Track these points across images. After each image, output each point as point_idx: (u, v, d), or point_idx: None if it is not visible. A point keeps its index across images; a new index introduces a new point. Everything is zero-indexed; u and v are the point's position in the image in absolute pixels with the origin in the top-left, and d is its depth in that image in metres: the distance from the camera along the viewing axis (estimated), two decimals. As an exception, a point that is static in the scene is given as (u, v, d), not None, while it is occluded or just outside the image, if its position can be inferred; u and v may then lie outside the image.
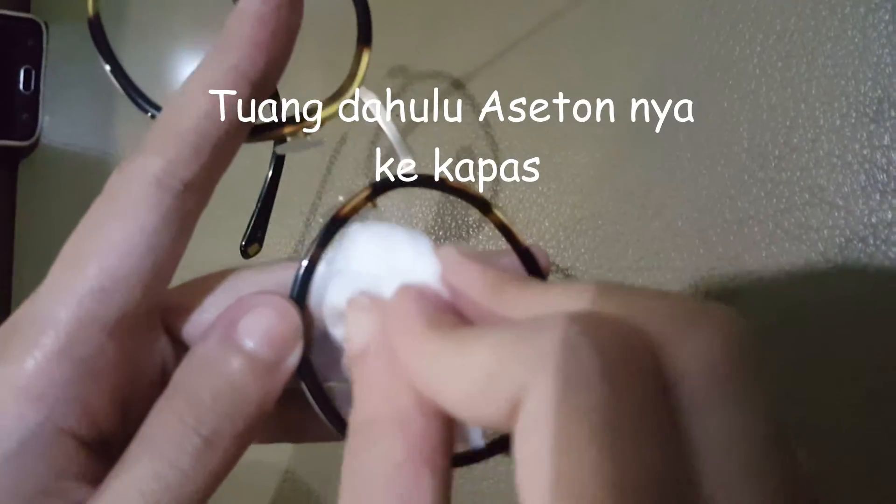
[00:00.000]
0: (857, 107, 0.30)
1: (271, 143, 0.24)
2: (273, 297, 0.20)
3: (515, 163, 0.40)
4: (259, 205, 0.23)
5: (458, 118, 0.43)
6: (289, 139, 0.22)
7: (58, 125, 0.76)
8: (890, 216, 0.29)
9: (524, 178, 0.39)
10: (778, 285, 0.31)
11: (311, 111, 0.22)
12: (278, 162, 0.23)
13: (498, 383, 0.13)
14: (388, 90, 0.45)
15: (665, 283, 0.34)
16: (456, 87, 0.43)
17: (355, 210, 0.20)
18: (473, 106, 0.42)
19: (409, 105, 0.45)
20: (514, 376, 0.13)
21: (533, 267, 0.21)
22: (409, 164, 0.22)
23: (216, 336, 0.19)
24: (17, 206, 0.80)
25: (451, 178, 0.21)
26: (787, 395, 0.31)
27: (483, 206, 0.21)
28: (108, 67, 0.21)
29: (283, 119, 0.21)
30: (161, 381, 0.20)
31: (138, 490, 0.17)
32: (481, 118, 0.42)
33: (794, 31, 0.32)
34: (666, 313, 0.14)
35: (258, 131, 0.21)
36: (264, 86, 0.19)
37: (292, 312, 0.20)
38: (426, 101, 0.44)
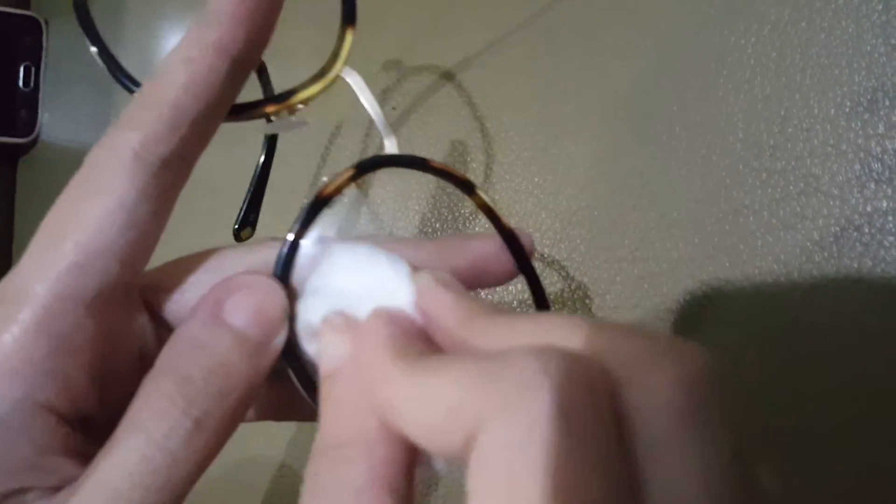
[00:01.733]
0: (851, 96, 0.31)
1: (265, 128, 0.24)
2: (259, 277, 0.20)
3: (511, 154, 0.40)
4: (252, 188, 0.23)
5: (453, 110, 0.43)
6: (273, 119, 0.22)
7: (57, 122, 0.76)
8: (885, 205, 0.29)
9: (519, 170, 0.39)
10: (773, 275, 0.31)
11: (295, 90, 0.22)
12: (270, 145, 0.23)
13: (457, 417, 0.13)
14: (388, 84, 0.45)
15: (661, 274, 0.34)
16: (450, 78, 0.43)
17: (339, 190, 0.20)
18: (469, 98, 0.42)
19: (404, 98, 0.45)
20: (474, 410, 0.13)
21: (517, 249, 0.21)
22: (392, 146, 0.22)
23: (203, 316, 0.19)
24: (16, 203, 0.81)
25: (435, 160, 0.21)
26: (781, 387, 0.31)
27: (467, 187, 0.21)
28: (93, 49, 0.22)
29: (266, 98, 0.21)
30: (141, 360, 0.20)
31: (127, 472, 0.17)
32: (476, 111, 0.42)
33: (789, 21, 0.32)
34: (629, 351, 0.14)
35: (240, 110, 0.21)
36: (245, 62, 0.19)
37: (279, 291, 0.20)
38: (420, 94, 0.44)
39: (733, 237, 0.32)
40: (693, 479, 0.13)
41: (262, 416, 0.23)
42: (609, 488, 0.12)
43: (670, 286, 0.34)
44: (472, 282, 0.21)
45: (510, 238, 0.21)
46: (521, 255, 0.21)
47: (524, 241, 0.21)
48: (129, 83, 0.22)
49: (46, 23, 0.77)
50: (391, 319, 0.17)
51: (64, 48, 0.76)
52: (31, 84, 0.76)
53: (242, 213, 0.23)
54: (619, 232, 0.36)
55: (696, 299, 0.33)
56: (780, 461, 0.30)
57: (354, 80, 0.22)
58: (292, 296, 0.20)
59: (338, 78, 0.22)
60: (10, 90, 0.75)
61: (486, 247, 0.21)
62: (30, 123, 0.77)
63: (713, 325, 0.33)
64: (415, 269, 0.19)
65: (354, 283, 0.19)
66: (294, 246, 0.20)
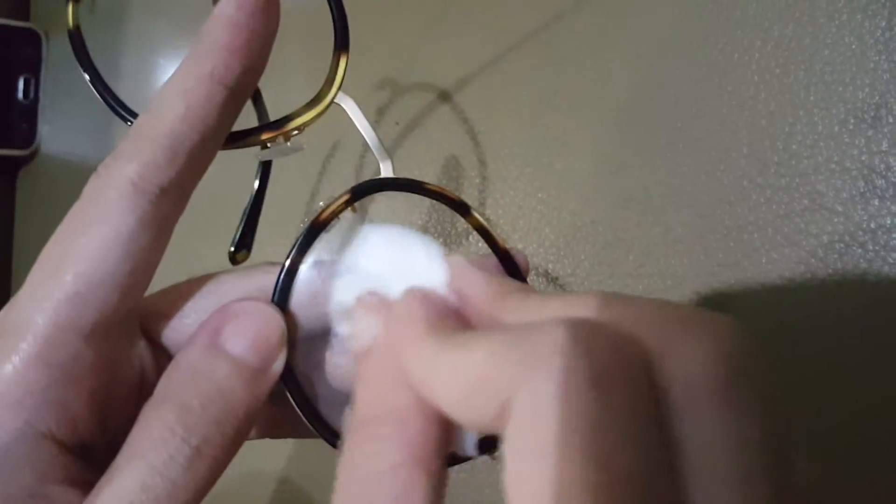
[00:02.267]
0: (855, 112, 0.31)
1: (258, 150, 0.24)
2: (257, 304, 0.20)
3: (515, 170, 0.40)
4: (247, 211, 0.23)
5: (454, 126, 0.43)
6: (269, 145, 0.22)
7: (57, 134, 0.76)
8: (889, 221, 0.30)
9: (522, 185, 0.39)
10: (778, 291, 0.31)
11: (290, 118, 0.22)
12: (265, 169, 0.24)
13: (490, 384, 0.13)
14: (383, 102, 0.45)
15: (665, 290, 0.34)
16: (449, 94, 0.43)
17: (335, 215, 0.21)
18: (470, 114, 0.42)
19: (404, 114, 0.45)
20: (506, 378, 0.13)
21: (512, 268, 0.21)
22: (388, 169, 0.22)
23: (201, 343, 0.20)
24: (15, 215, 0.81)
25: (429, 182, 0.21)
26: (787, 401, 0.31)
27: (462, 208, 0.22)
28: (87, 77, 0.22)
29: (261, 125, 0.22)
30: (140, 387, 0.20)
31: (127, 501, 0.17)
32: (479, 127, 0.42)
33: (792, 37, 0.32)
34: (662, 321, 0.14)
35: (236, 138, 0.21)
36: (240, 91, 0.20)
37: (277, 318, 0.20)
38: (420, 111, 0.44)
39: (738, 253, 0.32)
40: (728, 453, 0.12)
41: (262, 434, 0.23)
42: (643, 456, 0.12)
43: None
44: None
45: (505, 258, 0.21)
46: (516, 274, 0.22)
47: (519, 260, 0.22)
48: (124, 113, 0.22)
49: (46, 35, 0.77)
50: (424, 298, 0.17)
51: (63, 60, 0.76)
52: (31, 96, 0.76)
53: (238, 236, 0.23)
54: (623, 248, 0.36)
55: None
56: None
57: (349, 106, 0.22)
58: (291, 322, 0.20)
59: (332, 103, 0.22)
60: (9, 102, 0.75)
61: (483, 266, 0.21)
62: (29, 135, 0.77)
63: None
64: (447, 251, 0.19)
65: (387, 263, 0.19)
66: (291, 272, 0.20)
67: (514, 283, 0.17)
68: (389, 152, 0.22)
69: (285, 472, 0.49)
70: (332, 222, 0.20)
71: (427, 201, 0.43)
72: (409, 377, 0.16)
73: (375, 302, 0.18)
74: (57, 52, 0.76)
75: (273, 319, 0.20)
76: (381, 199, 0.45)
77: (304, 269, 0.20)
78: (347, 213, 0.21)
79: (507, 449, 0.13)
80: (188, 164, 0.19)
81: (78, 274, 0.18)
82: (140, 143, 0.19)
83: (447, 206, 0.22)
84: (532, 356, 0.13)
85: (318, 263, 0.20)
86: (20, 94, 0.77)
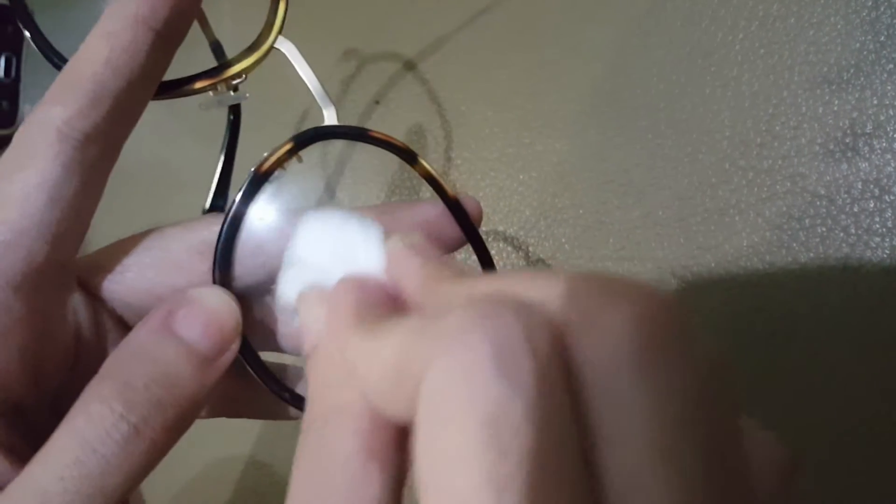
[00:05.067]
0: (839, 94, 0.30)
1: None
2: (215, 290, 0.20)
3: (496, 151, 0.39)
4: (219, 172, 0.22)
5: (432, 110, 0.42)
6: (211, 94, 0.21)
7: (39, 114, 0.75)
8: (871, 205, 0.29)
9: (503, 167, 0.39)
10: (758, 275, 0.31)
11: (228, 64, 0.21)
12: (234, 127, 0.23)
13: (404, 374, 0.13)
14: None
15: (646, 272, 0.33)
16: (426, 79, 0.42)
17: (279, 164, 0.20)
18: (451, 94, 0.42)
19: (380, 95, 0.44)
20: (416, 366, 0.13)
21: (462, 217, 0.21)
22: (332, 117, 0.21)
23: (153, 324, 0.19)
24: (-3, 196, 0.80)
25: (374, 130, 0.21)
26: (765, 386, 0.30)
27: (409, 156, 0.21)
28: (22, 27, 0.21)
29: (196, 73, 0.21)
30: (75, 344, 0.20)
31: (58, 476, 0.17)
32: (460, 106, 0.41)
33: (777, 17, 0.32)
34: (582, 294, 0.13)
35: (170, 87, 0.21)
36: (169, 35, 0.19)
37: (233, 306, 0.20)
38: (400, 91, 0.44)
39: (718, 237, 0.32)
40: (642, 428, 0.12)
41: (216, 413, 0.23)
42: (548, 437, 0.11)
43: (655, 285, 0.33)
44: None
45: (454, 205, 0.21)
46: (465, 221, 0.21)
47: (469, 206, 0.21)
48: (57, 60, 0.21)
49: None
50: (359, 286, 0.17)
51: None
52: (13, 75, 0.75)
53: (211, 197, 0.22)
54: (603, 230, 0.35)
55: (680, 299, 0.32)
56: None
57: (289, 50, 0.21)
58: (243, 300, 0.20)
59: (272, 49, 0.21)
60: (-10, 81, 0.74)
61: (429, 212, 0.21)
62: (10, 114, 0.75)
63: (697, 325, 0.32)
64: (388, 233, 0.18)
65: (327, 252, 0.18)
66: (234, 223, 0.20)
67: (450, 268, 0.16)
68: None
69: (261, 454, 0.49)
70: (276, 172, 0.20)
71: (393, 162, 0.42)
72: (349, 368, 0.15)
73: (316, 296, 0.18)
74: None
75: (229, 308, 0.20)
76: (357, 154, 0.44)
77: (249, 220, 0.20)
78: (294, 162, 0.20)
79: (416, 432, 0.12)
80: (114, 110, 0.18)
81: (2, 222, 0.17)
82: (65, 88, 0.18)
83: (394, 154, 0.21)
84: (438, 340, 0.12)
85: (262, 213, 0.20)
86: (1, 73, 0.75)
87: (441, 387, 0.12)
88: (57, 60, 0.22)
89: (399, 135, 0.43)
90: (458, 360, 0.12)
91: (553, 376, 0.12)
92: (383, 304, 0.16)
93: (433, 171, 0.21)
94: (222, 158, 0.22)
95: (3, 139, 0.78)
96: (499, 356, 0.12)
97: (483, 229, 0.22)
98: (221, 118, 0.26)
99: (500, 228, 0.38)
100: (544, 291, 0.13)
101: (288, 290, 0.18)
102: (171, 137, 0.54)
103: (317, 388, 0.16)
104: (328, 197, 0.45)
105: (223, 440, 0.48)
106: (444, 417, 0.12)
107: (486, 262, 0.22)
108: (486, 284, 0.15)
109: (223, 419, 0.24)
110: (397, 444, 0.15)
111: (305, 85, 0.25)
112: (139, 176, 0.54)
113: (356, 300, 0.16)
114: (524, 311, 0.12)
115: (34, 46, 0.22)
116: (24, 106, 0.75)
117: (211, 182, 0.24)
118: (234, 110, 0.25)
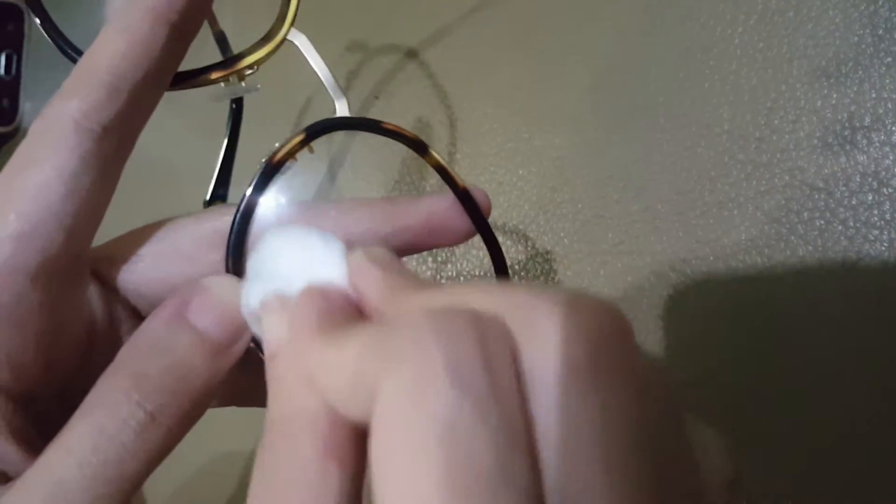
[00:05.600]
0: (837, 87, 0.30)
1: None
2: (228, 280, 0.20)
3: (495, 146, 0.39)
4: (221, 161, 0.22)
5: (432, 104, 0.42)
6: (223, 85, 0.21)
7: (39, 111, 0.75)
8: (870, 198, 0.29)
9: (503, 161, 0.39)
10: (757, 268, 0.31)
11: (240, 56, 0.21)
12: (236, 118, 0.23)
13: (360, 380, 0.13)
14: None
15: (644, 267, 0.34)
16: (428, 74, 0.43)
17: (290, 155, 0.20)
18: (450, 89, 0.42)
19: (379, 90, 0.44)
20: (372, 373, 0.13)
21: (472, 207, 0.21)
22: (343, 108, 0.21)
23: (167, 313, 0.19)
24: (-3, 193, 0.80)
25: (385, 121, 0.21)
26: (764, 379, 0.30)
27: (419, 147, 0.21)
28: (36, 20, 0.21)
29: (210, 65, 0.21)
30: (89, 335, 0.20)
31: (76, 463, 0.17)
32: (460, 101, 0.41)
33: (776, 11, 0.32)
34: (532, 307, 0.13)
35: (184, 78, 0.21)
36: (184, 28, 0.19)
37: None
38: (401, 85, 0.44)
39: (717, 230, 0.32)
40: (586, 439, 0.12)
41: (228, 401, 0.23)
42: (499, 447, 0.11)
43: (654, 279, 0.33)
44: (428, 240, 0.21)
45: (464, 196, 0.21)
46: (475, 213, 0.21)
47: (479, 197, 0.21)
48: (72, 53, 0.21)
49: (29, 10, 0.76)
50: (321, 296, 0.17)
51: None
52: (13, 72, 0.75)
53: (212, 187, 0.22)
54: (602, 225, 0.35)
55: (679, 293, 0.32)
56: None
57: (302, 42, 0.21)
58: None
59: (284, 41, 0.21)
60: (-9, 78, 0.74)
61: (437, 204, 0.21)
62: (11, 112, 0.76)
63: (696, 319, 0.32)
64: (350, 245, 0.18)
65: (290, 263, 0.19)
66: (247, 214, 0.20)
67: (411, 280, 0.17)
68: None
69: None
70: (288, 163, 0.20)
71: (401, 153, 0.42)
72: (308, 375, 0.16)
73: (278, 304, 0.18)
74: (39, 28, 0.75)
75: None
76: (360, 148, 0.45)
77: (260, 210, 0.20)
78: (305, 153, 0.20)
79: (371, 440, 0.12)
80: (131, 102, 0.19)
81: (20, 213, 0.18)
82: (82, 81, 0.18)
83: (404, 144, 0.21)
84: (393, 349, 0.13)
85: (274, 203, 0.20)
86: (2, 71, 0.75)
87: (395, 395, 0.12)
88: (72, 53, 0.22)
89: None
90: (412, 368, 0.12)
91: (505, 384, 0.12)
92: (345, 313, 0.17)
93: (443, 162, 0.21)
94: (224, 148, 0.22)
95: (4, 136, 0.78)
96: (452, 365, 0.12)
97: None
98: (221, 113, 0.27)
99: (500, 223, 0.38)
100: (497, 302, 0.13)
101: (252, 299, 0.19)
102: (172, 129, 0.54)
103: (277, 391, 0.16)
104: (333, 190, 0.45)
105: (225, 435, 0.48)
106: (399, 425, 0.12)
107: (496, 253, 0.22)
108: (443, 295, 0.15)
109: (227, 413, 0.24)
110: (356, 444, 0.15)
111: (308, 77, 0.25)
112: (138, 166, 0.54)
113: (318, 308, 0.16)
114: (477, 320, 0.13)
115: (38, 38, 0.22)
116: (24, 103, 0.75)
117: (210, 173, 0.24)
118: (237, 101, 0.26)
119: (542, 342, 0.13)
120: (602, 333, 0.13)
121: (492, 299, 0.14)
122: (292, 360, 0.16)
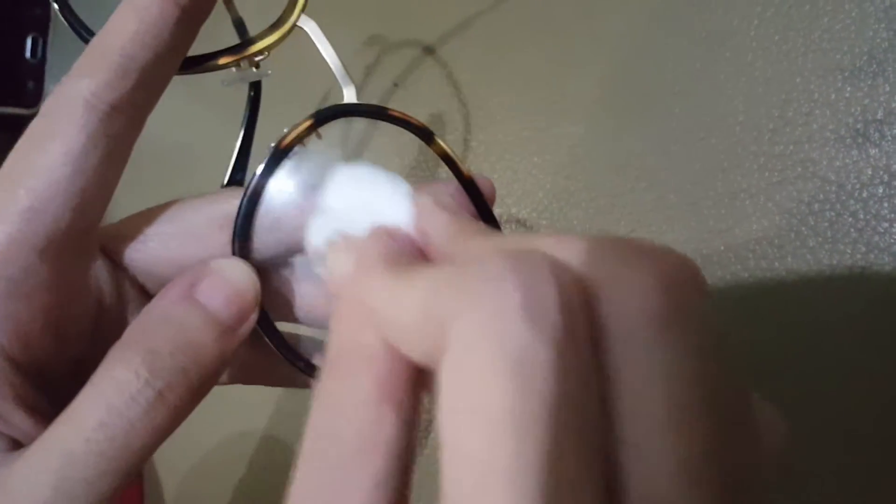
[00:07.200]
0: (851, 81, 0.30)
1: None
2: (237, 261, 0.20)
3: (511, 134, 0.40)
4: (239, 146, 0.23)
5: (448, 92, 0.43)
6: (234, 70, 0.21)
7: (63, 94, 0.76)
8: (881, 191, 0.29)
9: (518, 150, 0.39)
10: (768, 259, 0.31)
11: (251, 41, 0.21)
12: (254, 103, 0.23)
13: (430, 317, 0.13)
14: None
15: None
16: (444, 63, 0.43)
17: (298, 140, 0.20)
18: (467, 78, 0.42)
19: (398, 78, 0.45)
20: (444, 310, 0.13)
21: (477, 196, 0.21)
22: (351, 95, 0.22)
23: (176, 293, 0.20)
24: (21, 175, 0.81)
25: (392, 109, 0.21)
26: (773, 369, 0.31)
27: (425, 135, 0.21)
28: (55, 4, 0.22)
29: (220, 50, 0.21)
30: (97, 309, 0.21)
31: (83, 437, 0.17)
32: (476, 90, 0.42)
33: (792, 4, 0.32)
34: (610, 256, 0.13)
35: (194, 62, 0.21)
36: (194, 11, 0.20)
37: (253, 278, 0.20)
38: (417, 74, 0.44)
39: (729, 220, 0.32)
40: (660, 390, 0.12)
41: (234, 379, 0.24)
42: (570, 389, 0.12)
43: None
44: None
45: (469, 184, 0.21)
46: (479, 201, 0.21)
47: (484, 187, 0.22)
48: (85, 34, 0.22)
49: (54, -6, 0.77)
50: (389, 236, 0.17)
51: (72, 21, 0.76)
52: (39, 55, 0.76)
53: (230, 172, 0.23)
54: (615, 213, 0.36)
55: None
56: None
57: (311, 29, 0.22)
58: (261, 272, 0.21)
59: (295, 27, 0.22)
60: (17, 61, 0.75)
61: (441, 193, 0.21)
62: (36, 94, 0.77)
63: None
64: (418, 189, 0.19)
65: (357, 203, 0.19)
66: (254, 198, 0.20)
67: (477, 225, 0.17)
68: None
69: (274, 431, 0.49)
70: (296, 148, 0.20)
71: (413, 143, 0.43)
72: (372, 313, 0.16)
73: (344, 243, 0.18)
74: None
75: (250, 279, 0.20)
76: (378, 135, 0.45)
77: (268, 195, 0.20)
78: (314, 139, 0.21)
79: (441, 377, 0.12)
80: (140, 83, 0.19)
81: (30, 189, 0.18)
82: (93, 60, 0.19)
83: (412, 132, 0.21)
84: (469, 287, 0.13)
85: (281, 187, 0.21)
86: (28, 54, 0.76)
87: (470, 329, 0.12)
88: (84, 34, 0.22)
89: (418, 117, 0.44)
90: (489, 305, 0.12)
91: (579, 327, 0.12)
92: (411, 254, 0.17)
93: (449, 150, 0.21)
94: (242, 133, 0.22)
95: (29, 118, 0.79)
96: (529, 304, 0.12)
97: (496, 211, 0.22)
98: (241, 98, 0.27)
99: (514, 210, 0.39)
100: (573, 250, 0.14)
101: (317, 236, 0.19)
102: (192, 115, 0.55)
103: (338, 329, 0.16)
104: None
105: (237, 416, 0.48)
106: (472, 359, 0.12)
107: None
108: (515, 241, 0.15)
109: (238, 394, 0.25)
110: (413, 390, 0.15)
111: (327, 66, 0.25)
112: (159, 152, 0.55)
113: (386, 248, 0.17)
114: (554, 264, 0.13)
115: (63, 22, 0.22)
116: (49, 86, 0.76)
117: (229, 159, 0.24)
118: (255, 87, 0.26)
119: (622, 290, 0.13)
120: (682, 287, 0.13)
121: (567, 246, 0.14)
122: (356, 298, 0.16)
